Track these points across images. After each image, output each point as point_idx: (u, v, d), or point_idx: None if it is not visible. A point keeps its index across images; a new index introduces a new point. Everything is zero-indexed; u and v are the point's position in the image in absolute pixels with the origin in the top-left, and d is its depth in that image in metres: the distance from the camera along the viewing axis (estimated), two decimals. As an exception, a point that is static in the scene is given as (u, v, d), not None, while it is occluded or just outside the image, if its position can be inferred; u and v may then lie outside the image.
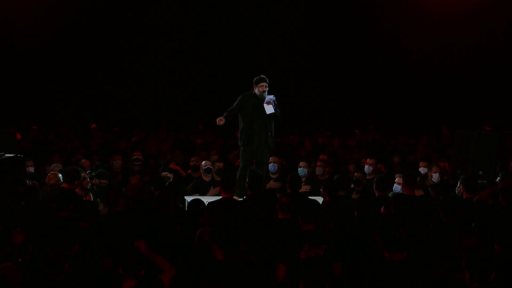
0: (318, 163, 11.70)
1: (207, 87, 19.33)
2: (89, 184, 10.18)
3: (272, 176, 10.91)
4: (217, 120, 10.07)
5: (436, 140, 16.47)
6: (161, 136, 16.57)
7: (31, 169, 11.17)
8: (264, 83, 10.11)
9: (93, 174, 10.62)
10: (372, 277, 6.03)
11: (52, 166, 11.22)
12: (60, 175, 9.50)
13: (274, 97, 10.08)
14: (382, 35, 19.85)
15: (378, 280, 5.96)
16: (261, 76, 10.21)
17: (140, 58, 19.45)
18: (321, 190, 8.29)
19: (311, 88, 19.73)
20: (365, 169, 11.29)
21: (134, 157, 12.41)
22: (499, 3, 18.90)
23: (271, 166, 10.93)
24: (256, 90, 10.13)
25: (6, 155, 9.70)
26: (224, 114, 10.12)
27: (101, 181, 10.41)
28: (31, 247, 6.24)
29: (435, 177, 10.66)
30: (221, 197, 8.16)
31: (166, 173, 10.86)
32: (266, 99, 10.04)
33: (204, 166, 11.20)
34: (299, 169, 11.11)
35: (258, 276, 6.06)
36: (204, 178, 11.08)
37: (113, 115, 18.89)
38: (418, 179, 10.01)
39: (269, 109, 10.03)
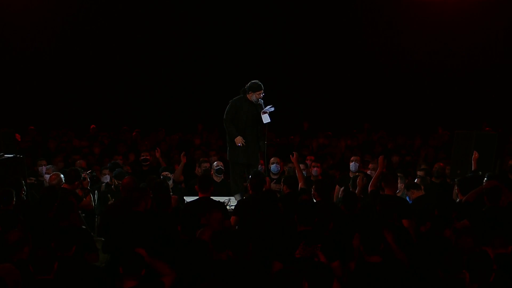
0: (313, 164, 11.70)
1: (206, 88, 19.33)
2: (88, 184, 10.15)
3: (273, 177, 10.89)
4: (240, 142, 10.00)
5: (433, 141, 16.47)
6: (160, 136, 16.56)
7: (44, 169, 11.13)
8: (262, 91, 10.05)
9: (94, 174, 10.61)
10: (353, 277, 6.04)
11: (40, 166, 11.19)
12: (62, 175, 9.50)
13: (273, 108, 10.07)
14: (382, 36, 19.85)
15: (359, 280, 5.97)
16: (259, 83, 10.10)
17: (139, 59, 19.44)
18: (313, 190, 8.34)
19: (310, 89, 19.73)
20: (350, 167, 11.28)
21: (142, 157, 12.40)
22: (498, 4, 18.92)
23: (273, 167, 10.97)
24: (253, 97, 10.06)
25: (5, 155, 9.72)
26: (235, 131, 10.04)
27: (120, 182, 10.33)
28: (26, 248, 6.22)
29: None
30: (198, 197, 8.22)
31: (166, 173, 10.82)
32: (266, 109, 10.01)
33: (216, 167, 11.13)
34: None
35: (260, 276, 6.07)
36: (215, 178, 11.02)
37: (111, 116, 18.88)
38: (418, 179, 10.06)
39: (265, 118, 10.03)
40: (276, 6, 19.39)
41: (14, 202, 7.84)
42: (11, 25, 18.75)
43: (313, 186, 8.41)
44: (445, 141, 16.11)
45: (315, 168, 11.50)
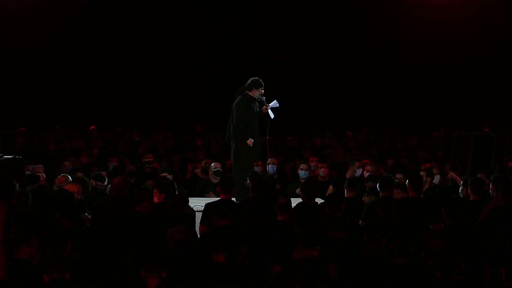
0: (319, 165, 11.69)
1: (204, 89, 19.32)
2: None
3: None
4: (249, 143, 10.04)
5: (433, 142, 16.49)
6: (158, 137, 16.54)
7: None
8: (263, 87, 10.14)
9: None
10: (373, 279, 6.02)
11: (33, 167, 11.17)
12: (70, 178, 9.47)
13: (278, 104, 10.12)
14: (380, 37, 19.86)
15: (380, 283, 5.95)
16: (259, 79, 10.20)
17: (137, 60, 19.42)
18: (299, 192, 8.33)
19: (308, 90, 19.73)
20: (356, 172, 11.29)
21: (146, 159, 12.38)
22: (497, 5, 18.93)
23: (270, 168, 10.96)
24: (256, 93, 10.11)
25: (4, 156, 9.71)
26: (247, 133, 10.07)
27: (98, 183, 10.32)
28: (25, 248, 6.13)
29: (437, 179, 10.71)
30: (220, 198, 8.16)
31: (165, 174, 10.81)
32: (272, 104, 10.06)
33: (214, 168, 11.13)
34: (300, 171, 11.09)
35: (256, 278, 6.07)
36: (213, 180, 11.00)
37: (110, 117, 18.86)
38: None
39: (271, 113, 10.11)
40: (274, 8, 19.39)
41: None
42: (11, 25, 18.75)
43: (299, 188, 8.43)
44: (443, 142, 16.15)
45: (322, 169, 11.50)
